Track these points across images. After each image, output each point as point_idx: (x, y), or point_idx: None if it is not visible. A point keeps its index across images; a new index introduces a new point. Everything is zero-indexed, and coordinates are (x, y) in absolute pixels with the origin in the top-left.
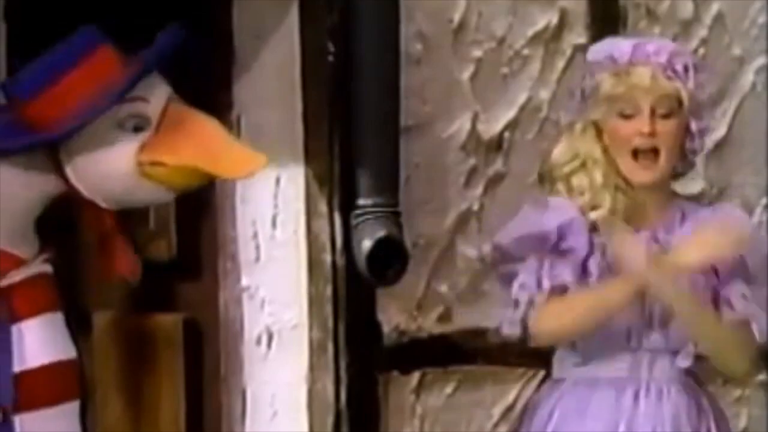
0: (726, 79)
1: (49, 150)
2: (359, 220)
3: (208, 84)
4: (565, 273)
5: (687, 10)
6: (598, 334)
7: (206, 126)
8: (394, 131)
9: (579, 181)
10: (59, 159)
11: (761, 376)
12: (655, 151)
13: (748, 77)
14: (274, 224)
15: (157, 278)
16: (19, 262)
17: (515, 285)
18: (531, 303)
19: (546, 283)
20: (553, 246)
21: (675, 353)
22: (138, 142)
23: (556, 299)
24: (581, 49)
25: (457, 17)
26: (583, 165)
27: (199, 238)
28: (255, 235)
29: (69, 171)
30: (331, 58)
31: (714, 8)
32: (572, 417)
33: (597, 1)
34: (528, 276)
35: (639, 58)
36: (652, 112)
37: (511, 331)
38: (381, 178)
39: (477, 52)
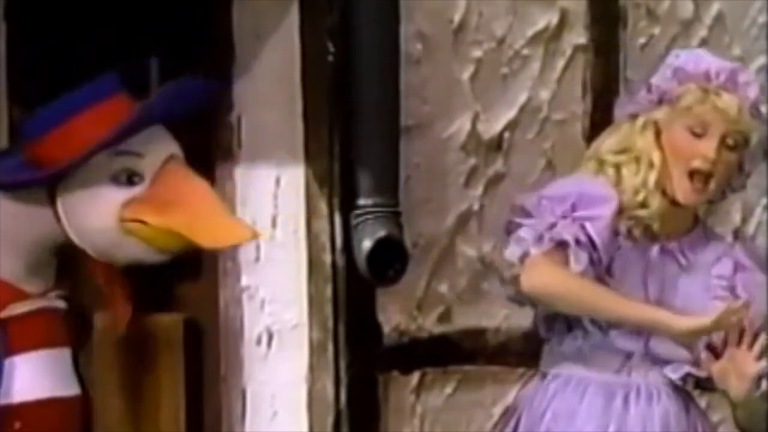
0: None
1: (50, 192)
2: (359, 220)
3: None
4: (566, 233)
5: (687, 10)
6: (593, 333)
7: (199, 191)
8: (394, 131)
9: (629, 174)
10: (56, 203)
11: None
12: (708, 176)
13: None
14: (274, 224)
15: (157, 278)
16: (21, 296)
17: (512, 238)
18: (525, 256)
19: (546, 240)
20: (568, 209)
21: (666, 362)
22: (123, 197)
23: (555, 262)
24: (581, 49)
25: (457, 17)
26: (636, 160)
27: None
28: None
29: (62, 217)
30: (331, 58)
31: (714, 8)
32: (564, 419)
33: (597, 1)
34: (528, 231)
35: (732, 85)
36: (722, 140)
37: (506, 293)
38: (381, 178)
39: (477, 52)
